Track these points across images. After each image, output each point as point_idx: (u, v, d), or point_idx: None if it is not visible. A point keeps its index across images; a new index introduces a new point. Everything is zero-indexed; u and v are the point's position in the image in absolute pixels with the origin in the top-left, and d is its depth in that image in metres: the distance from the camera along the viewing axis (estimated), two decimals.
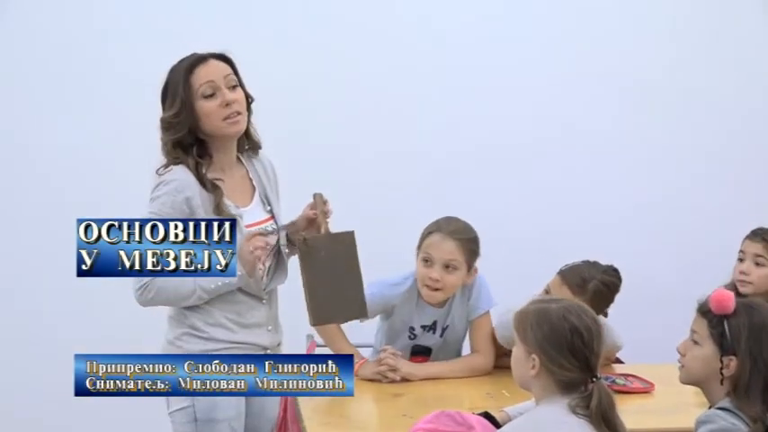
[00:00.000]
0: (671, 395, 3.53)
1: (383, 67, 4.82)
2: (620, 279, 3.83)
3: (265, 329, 3.35)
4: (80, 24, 4.69)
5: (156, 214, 3.14)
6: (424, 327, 3.85)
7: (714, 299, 2.83)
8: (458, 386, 3.67)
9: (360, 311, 3.37)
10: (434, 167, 4.87)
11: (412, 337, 3.85)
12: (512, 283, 3.95)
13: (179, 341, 3.25)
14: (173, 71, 3.29)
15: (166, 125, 3.26)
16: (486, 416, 2.97)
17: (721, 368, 2.81)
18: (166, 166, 3.26)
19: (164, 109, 3.29)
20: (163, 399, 3.28)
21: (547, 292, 3.86)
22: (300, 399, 3.48)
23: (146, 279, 3.15)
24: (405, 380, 3.67)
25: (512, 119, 4.88)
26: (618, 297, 4.04)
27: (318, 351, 3.97)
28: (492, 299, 3.87)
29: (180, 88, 3.24)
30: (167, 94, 3.28)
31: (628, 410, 2.83)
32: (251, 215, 3.32)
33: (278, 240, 3.38)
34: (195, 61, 3.27)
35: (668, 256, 4.99)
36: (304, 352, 4.07)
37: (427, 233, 3.79)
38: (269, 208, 3.38)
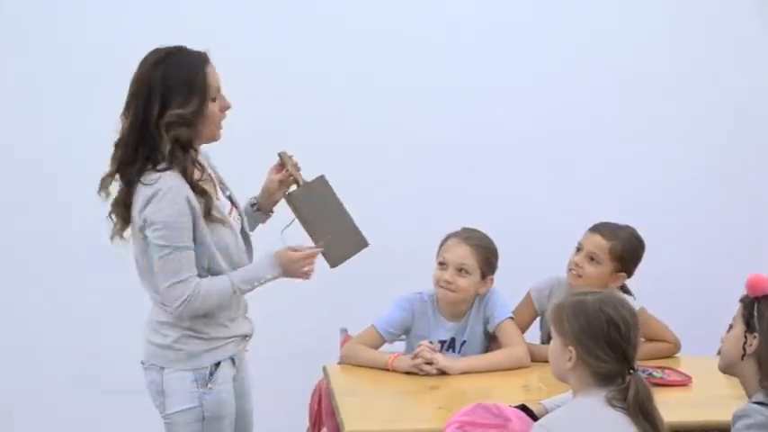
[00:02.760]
0: (708, 388, 3.52)
1: (389, 66, 4.76)
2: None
3: (243, 317, 3.37)
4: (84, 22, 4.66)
5: (167, 225, 3.10)
6: (442, 342, 3.87)
7: (749, 280, 2.87)
8: (494, 379, 3.67)
9: (362, 242, 3.46)
10: (441, 167, 4.83)
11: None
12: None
13: (178, 344, 3.22)
14: (179, 65, 3.13)
15: (180, 122, 3.11)
16: (523, 408, 2.98)
17: (744, 344, 2.83)
18: (149, 171, 3.13)
19: (168, 103, 3.11)
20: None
21: (578, 249, 3.90)
22: (337, 392, 3.50)
23: (188, 292, 3.13)
24: (442, 373, 3.67)
25: (518, 116, 4.83)
26: (650, 290, 4.04)
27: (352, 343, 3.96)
28: (508, 309, 3.92)
29: (199, 85, 3.14)
30: (177, 87, 3.11)
31: (664, 403, 2.80)
32: (222, 205, 3.29)
33: (242, 224, 3.39)
34: (206, 59, 3.18)
35: (699, 250, 4.96)
36: (338, 346, 4.07)
37: (444, 239, 3.92)
38: (228, 193, 3.37)
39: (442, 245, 3.91)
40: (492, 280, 3.89)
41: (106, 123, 3.19)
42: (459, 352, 3.88)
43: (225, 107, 3.23)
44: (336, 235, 3.40)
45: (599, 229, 3.96)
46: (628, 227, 3.98)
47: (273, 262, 3.28)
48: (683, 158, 4.95)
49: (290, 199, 3.43)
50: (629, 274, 3.97)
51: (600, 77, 4.87)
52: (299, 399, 4.01)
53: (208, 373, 3.22)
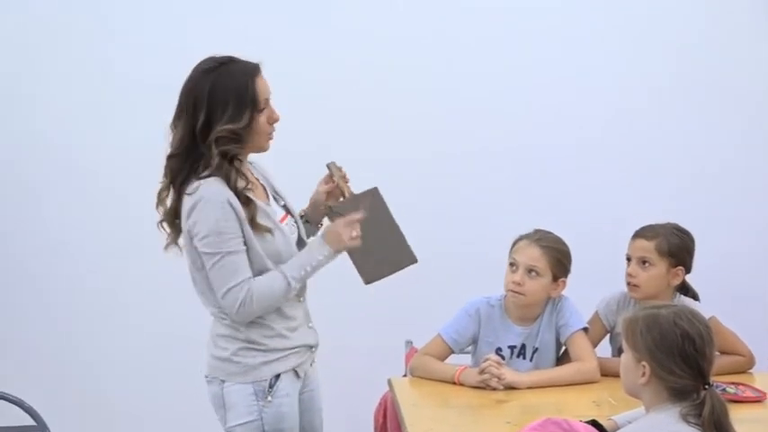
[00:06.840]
0: None
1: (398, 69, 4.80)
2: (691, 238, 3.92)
3: (307, 327, 3.34)
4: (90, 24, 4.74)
5: (212, 232, 3.09)
6: (512, 348, 3.82)
7: None
8: (563, 394, 3.61)
9: (408, 259, 3.38)
10: (503, 172, 4.84)
11: (501, 360, 3.76)
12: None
13: (236, 357, 3.21)
14: (227, 77, 3.13)
15: (231, 137, 3.11)
16: (594, 424, 2.92)
17: None
18: (192, 180, 3.14)
19: (214, 116, 3.11)
20: (211, 412, 3.30)
21: (628, 259, 3.89)
22: (403, 405, 3.47)
23: (241, 296, 3.12)
24: (510, 387, 3.61)
25: (534, 119, 4.84)
26: (721, 300, 3.97)
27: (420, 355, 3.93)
28: (582, 320, 3.85)
29: (248, 99, 3.13)
30: (225, 100, 3.11)
31: (738, 419, 2.74)
32: (272, 213, 3.27)
33: (299, 232, 3.37)
34: (256, 70, 3.17)
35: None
36: (403, 357, 4.05)
37: (515, 241, 3.86)
38: (283, 203, 3.35)
39: (513, 246, 3.84)
40: (564, 283, 3.81)
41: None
42: (531, 360, 3.82)
43: (273, 119, 3.22)
44: (377, 251, 3.32)
45: (639, 233, 3.91)
46: (667, 223, 3.91)
47: (321, 241, 3.24)
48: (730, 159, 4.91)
49: (329, 212, 3.37)
50: (688, 269, 3.88)
51: (640, 78, 4.87)
52: (365, 411, 4.00)
53: (267, 385, 3.21)
